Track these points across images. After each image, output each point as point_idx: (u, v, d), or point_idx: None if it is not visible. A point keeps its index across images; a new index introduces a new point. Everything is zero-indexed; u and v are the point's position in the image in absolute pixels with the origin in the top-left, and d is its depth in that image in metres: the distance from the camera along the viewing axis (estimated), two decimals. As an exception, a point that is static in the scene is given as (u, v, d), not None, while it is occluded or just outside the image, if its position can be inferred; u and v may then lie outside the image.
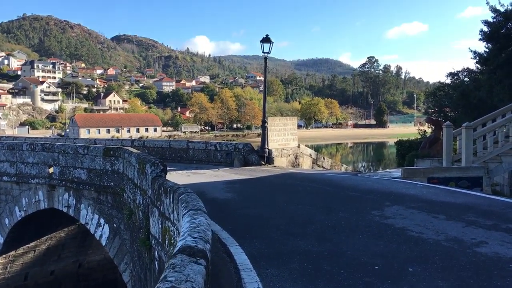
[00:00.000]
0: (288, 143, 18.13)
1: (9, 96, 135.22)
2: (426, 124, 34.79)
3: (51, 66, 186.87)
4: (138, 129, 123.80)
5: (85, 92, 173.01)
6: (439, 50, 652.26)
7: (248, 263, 5.56)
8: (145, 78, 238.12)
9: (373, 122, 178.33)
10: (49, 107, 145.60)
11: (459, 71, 29.36)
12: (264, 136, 17.19)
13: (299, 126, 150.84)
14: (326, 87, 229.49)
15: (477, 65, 27.47)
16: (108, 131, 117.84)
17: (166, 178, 13.95)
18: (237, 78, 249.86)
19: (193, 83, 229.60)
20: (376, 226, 7.14)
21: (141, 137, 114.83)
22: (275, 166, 16.89)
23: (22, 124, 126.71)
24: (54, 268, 19.27)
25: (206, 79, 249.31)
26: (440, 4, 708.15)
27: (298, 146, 18.69)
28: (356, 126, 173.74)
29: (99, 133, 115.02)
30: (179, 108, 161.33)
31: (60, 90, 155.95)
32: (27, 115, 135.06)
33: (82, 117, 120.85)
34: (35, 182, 16.61)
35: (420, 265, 5.23)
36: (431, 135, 17.96)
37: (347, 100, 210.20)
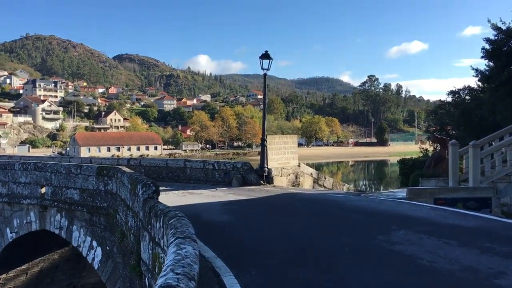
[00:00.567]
0: (288, 162, 17.59)
1: (10, 115, 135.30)
2: (428, 142, 34.39)
3: (52, 85, 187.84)
4: (139, 147, 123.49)
5: (86, 111, 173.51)
6: (440, 68, 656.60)
7: (243, 298, 5.00)
8: (147, 96, 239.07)
9: (374, 140, 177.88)
10: (50, 125, 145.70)
11: (460, 89, 29.13)
12: (263, 154, 16.66)
13: (300, 144, 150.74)
14: (327, 106, 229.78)
15: (478, 83, 27.21)
16: (109, 150, 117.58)
17: (161, 198, 13.39)
18: (238, 96, 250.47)
19: (194, 101, 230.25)
20: (383, 253, 6.58)
21: (141, 156, 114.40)
22: (274, 186, 16.33)
23: (22, 143, 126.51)
24: (47, 291, 18.64)
25: (207, 97, 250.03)
26: (441, 23, 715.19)
27: (299, 165, 18.13)
28: (357, 144, 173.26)
29: (100, 151, 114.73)
30: (180, 127, 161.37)
31: (61, 108, 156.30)
32: (28, 134, 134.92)
33: (82, 136, 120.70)
34: (27, 203, 16.07)
35: (434, 301, 4.66)
36: (436, 153, 17.42)
37: (347, 119, 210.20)
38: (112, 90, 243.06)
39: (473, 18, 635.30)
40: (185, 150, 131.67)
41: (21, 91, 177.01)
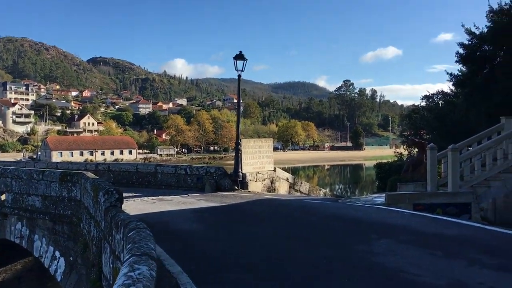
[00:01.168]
0: (264, 166, 16.99)
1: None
2: (402, 146, 34.45)
3: (24, 88, 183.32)
4: (113, 151, 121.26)
5: (59, 114, 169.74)
6: (413, 74, 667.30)
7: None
8: (121, 100, 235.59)
9: (349, 144, 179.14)
10: (20, 129, 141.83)
11: (433, 94, 29.37)
12: (237, 159, 16.03)
13: (276, 149, 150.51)
14: (303, 110, 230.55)
15: (451, 88, 27.37)
16: (82, 154, 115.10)
17: (129, 206, 12.61)
18: (214, 100, 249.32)
19: (170, 105, 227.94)
20: (364, 266, 6.05)
21: (115, 160, 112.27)
22: (249, 191, 15.71)
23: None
24: (9, 304, 17.64)
25: (183, 101, 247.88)
26: (414, 30, 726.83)
27: (274, 170, 17.55)
28: (332, 148, 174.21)
29: (72, 156, 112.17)
30: (155, 131, 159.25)
31: (32, 112, 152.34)
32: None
33: (54, 140, 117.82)
34: (-15, 211, 15.06)
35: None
36: (414, 158, 17.11)
37: (323, 123, 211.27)
38: (86, 93, 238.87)
39: (446, 25, 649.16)
40: (161, 155, 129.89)
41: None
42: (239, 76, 16.29)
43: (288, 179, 18.45)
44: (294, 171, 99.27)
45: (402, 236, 7.73)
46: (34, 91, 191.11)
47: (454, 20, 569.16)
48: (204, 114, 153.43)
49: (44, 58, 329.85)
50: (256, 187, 16.40)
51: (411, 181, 15.41)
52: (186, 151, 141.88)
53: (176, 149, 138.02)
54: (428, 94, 29.44)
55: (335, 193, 34.91)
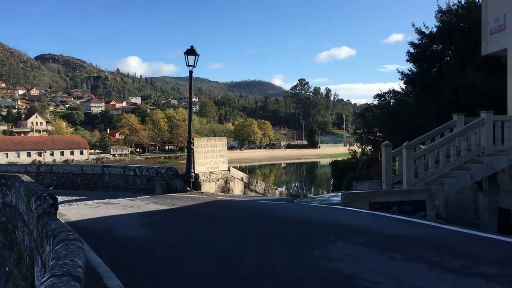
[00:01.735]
0: (217, 166, 16.39)
1: None
2: (356, 144, 34.91)
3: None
4: (63, 152, 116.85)
5: (4, 113, 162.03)
6: (366, 73, 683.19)
7: None
8: (72, 98, 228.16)
9: (305, 142, 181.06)
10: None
11: (385, 93, 29.77)
12: (190, 158, 15.35)
13: (233, 147, 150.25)
14: (259, 109, 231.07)
15: (402, 86, 27.88)
16: (29, 155, 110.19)
17: (70, 210, 11.70)
18: (169, 99, 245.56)
19: (124, 104, 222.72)
20: (320, 273, 5.60)
21: (66, 161, 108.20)
22: (202, 192, 15.06)
23: None
24: None
25: (137, 100, 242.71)
26: (367, 30, 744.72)
27: (229, 169, 16.97)
28: (289, 146, 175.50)
29: (19, 157, 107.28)
30: (108, 130, 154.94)
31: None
32: None
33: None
34: None
35: None
36: (369, 155, 17.03)
37: (279, 121, 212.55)
38: (34, 91, 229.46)
39: (397, 25, 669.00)
40: (114, 155, 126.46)
41: None
42: (191, 72, 15.60)
43: (243, 178, 17.93)
44: (251, 169, 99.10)
45: (360, 238, 7.36)
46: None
47: (405, 21, 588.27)
48: (159, 113, 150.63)
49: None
50: (210, 188, 15.78)
51: (367, 179, 15.27)
52: (140, 151, 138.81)
53: (130, 149, 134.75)
54: (380, 92, 29.82)
55: (291, 191, 34.76)
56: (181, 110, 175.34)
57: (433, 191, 12.85)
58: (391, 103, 28.45)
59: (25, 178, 11.10)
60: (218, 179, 16.28)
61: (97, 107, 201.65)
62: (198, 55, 15.37)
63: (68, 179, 17.61)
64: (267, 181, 75.44)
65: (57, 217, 11.12)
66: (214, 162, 16.21)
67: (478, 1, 22.63)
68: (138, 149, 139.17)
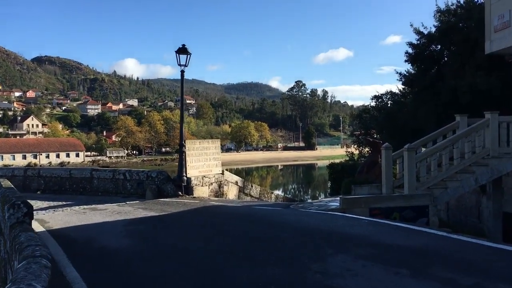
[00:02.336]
0: (211, 169, 15.75)
1: None
2: (353, 145, 34.48)
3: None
4: (58, 154, 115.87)
5: (0, 116, 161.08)
6: (363, 75, 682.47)
7: None
8: (69, 101, 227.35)
9: (302, 144, 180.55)
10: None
11: (383, 94, 29.69)
12: (181, 162, 14.70)
13: (229, 149, 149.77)
14: (256, 111, 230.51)
15: (401, 87, 27.77)
16: (25, 157, 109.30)
17: (55, 217, 11.02)
18: (166, 101, 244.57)
19: (120, 106, 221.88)
20: (319, 293, 4.98)
21: (61, 163, 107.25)
22: (194, 197, 14.41)
23: None
24: None
25: (134, 102, 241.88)
26: (365, 32, 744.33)
27: (222, 173, 16.33)
28: (286, 148, 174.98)
29: (14, 159, 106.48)
30: (104, 132, 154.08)
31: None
32: None
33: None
34: None
35: None
36: (368, 158, 16.43)
37: (276, 123, 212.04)
38: (30, 94, 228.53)
39: (395, 27, 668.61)
40: (110, 157, 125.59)
41: None
42: (182, 71, 14.96)
43: (237, 182, 17.29)
44: (247, 171, 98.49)
45: (361, 249, 6.75)
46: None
47: (403, 23, 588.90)
48: (155, 115, 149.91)
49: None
50: (203, 192, 15.14)
51: (366, 183, 14.67)
52: (137, 153, 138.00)
53: (126, 151, 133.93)
54: (377, 94, 29.68)
55: (288, 195, 34.28)
56: (177, 112, 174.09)
57: (436, 196, 12.27)
58: (389, 105, 28.31)
59: (5, 183, 10.45)
60: (212, 183, 15.64)
61: (93, 109, 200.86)
62: (190, 54, 14.77)
63: (56, 183, 16.95)
64: (264, 183, 74.93)
65: (39, 224, 10.49)
66: (207, 165, 15.57)
67: (477, 1, 22.25)
68: (134, 151, 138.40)
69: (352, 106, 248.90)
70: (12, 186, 10.03)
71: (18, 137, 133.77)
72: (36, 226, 9.96)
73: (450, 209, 18.89)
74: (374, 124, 28.57)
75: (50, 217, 11.39)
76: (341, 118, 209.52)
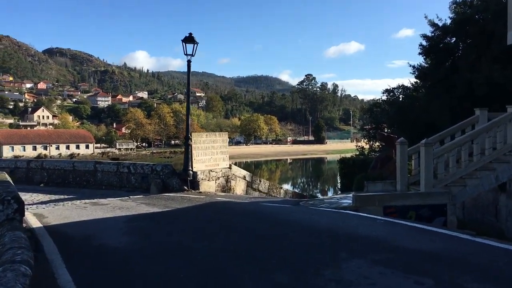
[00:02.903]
0: (218, 163, 15.21)
1: None
2: (363, 140, 33.90)
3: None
4: (68, 146, 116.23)
5: (11, 107, 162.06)
6: (374, 69, 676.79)
7: None
8: (79, 92, 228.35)
9: (311, 138, 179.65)
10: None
11: (394, 88, 29.33)
12: (187, 155, 14.18)
13: (239, 143, 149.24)
14: (266, 104, 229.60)
15: (413, 81, 27.46)
16: (35, 148, 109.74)
17: (53, 212, 10.60)
18: (176, 94, 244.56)
19: (130, 98, 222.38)
20: (333, 305, 4.43)
21: (71, 154, 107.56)
22: (200, 192, 13.89)
23: None
24: None
25: (144, 94, 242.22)
26: (377, 25, 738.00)
27: (230, 167, 15.78)
28: (295, 142, 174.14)
29: (25, 150, 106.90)
30: (114, 124, 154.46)
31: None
32: None
33: (4, 133, 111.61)
34: None
35: None
36: (382, 153, 15.82)
37: (286, 117, 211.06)
38: (41, 85, 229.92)
39: (408, 20, 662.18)
40: (120, 149, 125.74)
41: None
42: (189, 61, 14.39)
43: (245, 177, 16.74)
44: (256, 165, 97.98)
45: (378, 254, 6.17)
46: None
47: (416, 16, 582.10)
48: (165, 107, 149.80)
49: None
50: (209, 187, 14.61)
51: (379, 179, 14.08)
52: (146, 145, 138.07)
53: (136, 143, 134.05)
54: (389, 88, 29.29)
55: (297, 190, 33.68)
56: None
57: (454, 194, 11.62)
58: (400, 99, 27.94)
59: (1, 176, 10.01)
60: (218, 178, 15.12)
61: (103, 101, 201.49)
62: (197, 43, 14.18)
63: (59, 176, 16.54)
64: (273, 176, 74.35)
65: (37, 220, 10.01)
66: (214, 159, 15.04)
67: (495, -9, 21.59)
68: (144, 144, 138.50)
69: (362, 100, 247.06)
70: (8, 179, 9.58)
71: (28, 128, 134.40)
72: (34, 222, 9.52)
73: (465, 207, 18.21)
74: (385, 118, 28.29)
75: (49, 211, 10.94)
76: (351, 112, 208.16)
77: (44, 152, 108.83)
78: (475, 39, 20.70)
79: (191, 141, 14.27)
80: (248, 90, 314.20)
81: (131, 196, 13.08)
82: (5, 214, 6.64)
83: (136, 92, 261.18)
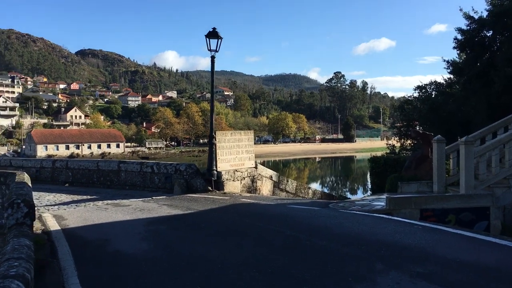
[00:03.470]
0: (243, 163, 14.66)
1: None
2: (393, 138, 32.88)
3: (9, 80, 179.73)
4: (100, 145, 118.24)
5: (45, 107, 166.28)
6: (405, 66, 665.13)
7: None
8: (110, 93, 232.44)
9: (340, 136, 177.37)
10: (5, 122, 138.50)
11: (427, 85, 28.53)
12: (211, 155, 13.69)
13: (267, 141, 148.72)
14: (294, 102, 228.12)
15: (446, 77, 26.70)
16: (68, 148, 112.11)
17: (73, 213, 10.30)
18: (204, 93, 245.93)
19: (160, 98, 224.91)
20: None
21: (102, 153, 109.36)
22: (225, 193, 13.38)
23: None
24: None
25: (173, 94, 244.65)
26: (408, 20, 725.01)
27: (256, 167, 15.20)
28: (324, 140, 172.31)
29: (58, 149, 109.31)
30: (144, 123, 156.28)
31: (17, 105, 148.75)
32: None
33: (39, 133, 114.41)
34: None
35: None
36: (416, 152, 14.94)
37: (314, 115, 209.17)
38: (74, 86, 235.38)
39: (440, 15, 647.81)
40: (149, 148, 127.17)
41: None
42: (213, 57, 13.90)
43: (272, 177, 16.14)
44: (285, 163, 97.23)
45: (418, 266, 5.48)
46: (20, 83, 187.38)
47: (449, 10, 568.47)
48: (193, 106, 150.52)
49: (31, 50, 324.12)
50: (234, 188, 14.08)
51: (414, 180, 13.27)
52: (175, 144, 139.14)
53: (165, 142, 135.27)
54: (421, 84, 28.46)
55: (325, 190, 32.83)
56: (215, 104, 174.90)
57: (497, 196, 10.74)
58: (433, 95, 27.09)
59: (19, 177, 9.73)
60: (244, 178, 14.57)
61: (134, 101, 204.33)
62: (221, 38, 13.68)
63: (84, 176, 16.35)
64: (301, 175, 73.48)
65: (55, 222, 9.68)
66: (239, 158, 14.50)
67: (535, -18, 20.53)
68: (173, 143, 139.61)
69: (392, 97, 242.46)
70: (26, 180, 9.27)
71: (62, 128, 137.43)
72: (52, 224, 9.20)
73: (506, 209, 17.14)
74: (417, 115, 27.52)
75: (69, 213, 10.63)
76: (381, 110, 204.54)
77: (76, 151, 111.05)
78: (514, 32, 19.72)
79: (215, 140, 13.78)
80: (276, 89, 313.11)
81: (153, 197, 12.68)
82: (14, 218, 6.25)
83: (166, 91, 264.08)
